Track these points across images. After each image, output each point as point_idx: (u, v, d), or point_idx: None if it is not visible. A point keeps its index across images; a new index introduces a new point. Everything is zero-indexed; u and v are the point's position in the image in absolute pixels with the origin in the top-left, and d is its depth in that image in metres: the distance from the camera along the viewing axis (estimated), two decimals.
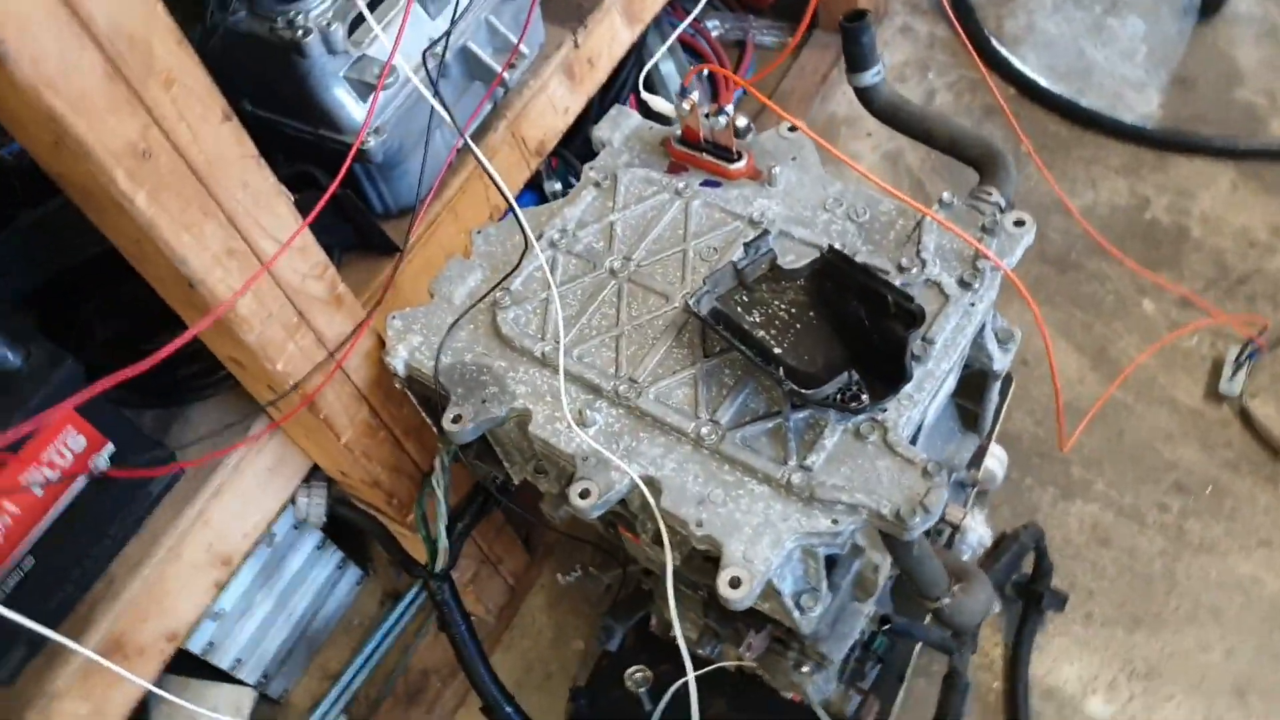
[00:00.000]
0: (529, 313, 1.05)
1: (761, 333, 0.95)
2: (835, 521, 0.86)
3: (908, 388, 0.91)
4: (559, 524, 1.13)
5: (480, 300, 1.06)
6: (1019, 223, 1.02)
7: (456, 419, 0.99)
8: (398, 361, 1.04)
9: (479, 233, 1.14)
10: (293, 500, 1.21)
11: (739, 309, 0.97)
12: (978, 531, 1.23)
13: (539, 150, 1.39)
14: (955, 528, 1.13)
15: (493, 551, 1.55)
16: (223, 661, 1.45)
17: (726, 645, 1.20)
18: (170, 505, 1.06)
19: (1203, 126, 1.91)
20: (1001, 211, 1.04)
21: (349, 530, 1.62)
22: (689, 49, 2.08)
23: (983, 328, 1.03)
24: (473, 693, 1.55)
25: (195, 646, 1.39)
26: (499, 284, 1.06)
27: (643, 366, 0.98)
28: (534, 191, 1.67)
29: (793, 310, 0.97)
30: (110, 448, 0.99)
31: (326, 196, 0.92)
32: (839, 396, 0.86)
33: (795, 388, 0.85)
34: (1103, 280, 1.77)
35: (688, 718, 1.31)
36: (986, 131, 1.91)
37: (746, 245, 0.98)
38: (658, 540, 0.97)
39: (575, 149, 1.64)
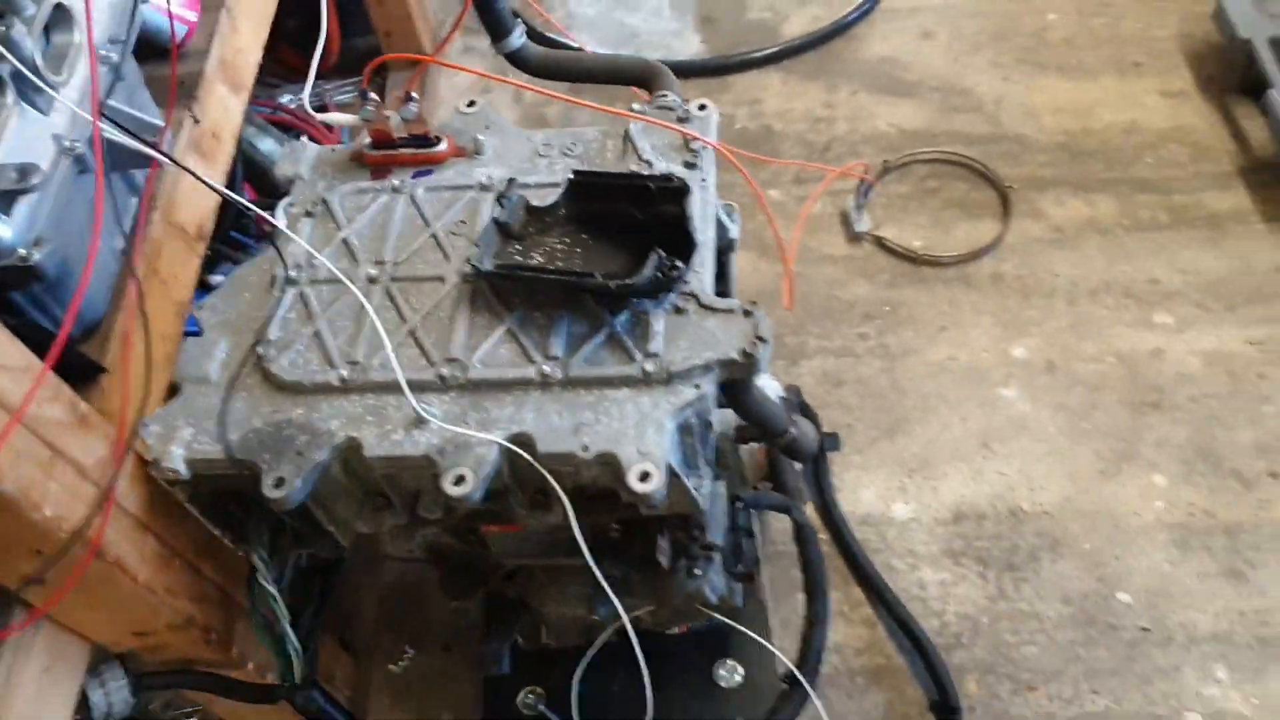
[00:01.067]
0: (302, 352, 0.96)
1: (552, 267, 0.96)
2: (698, 386, 0.91)
3: (694, 259, 0.98)
4: (415, 553, 1.05)
5: (241, 366, 0.95)
6: (702, 107, 1.14)
7: (279, 483, 0.88)
8: (176, 462, 0.91)
9: (200, 308, 1.02)
10: (83, 701, 0.99)
11: (518, 257, 0.97)
12: (771, 385, 1.34)
13: (200, 235, 1.26)
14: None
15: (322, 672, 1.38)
16: None
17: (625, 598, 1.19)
18: None
19: (740, 47, 2.24)
20: (685, 104, 1.15)
21: None
22: (282, 127, 1.99)
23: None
24: None
25: None
26: (254, 343, 0.96)
27: (454, 345, 0.94)
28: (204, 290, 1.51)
29: (566, 240, 0.99)
30: None
31: None
32: (659, 274, 0.90)
33: (623, 282, 0.88)
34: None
35: (599, 706, 1.30)
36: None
37: (499, 199, 0.99)
38: (540, 503, 0.95)
39: (222, 236, 1.51)
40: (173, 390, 0.97)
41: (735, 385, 0.99)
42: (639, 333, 0.93)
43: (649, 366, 0.90)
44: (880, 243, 1.89)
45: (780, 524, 1.60)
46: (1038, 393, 1.71)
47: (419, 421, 0.90)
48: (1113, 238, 1.89)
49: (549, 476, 0.89)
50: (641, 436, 0.88)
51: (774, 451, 1.51)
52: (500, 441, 0.88)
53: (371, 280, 0.99)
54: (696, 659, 1.35)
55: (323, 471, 0.90)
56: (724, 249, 1.21)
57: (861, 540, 1.57)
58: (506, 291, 0.96)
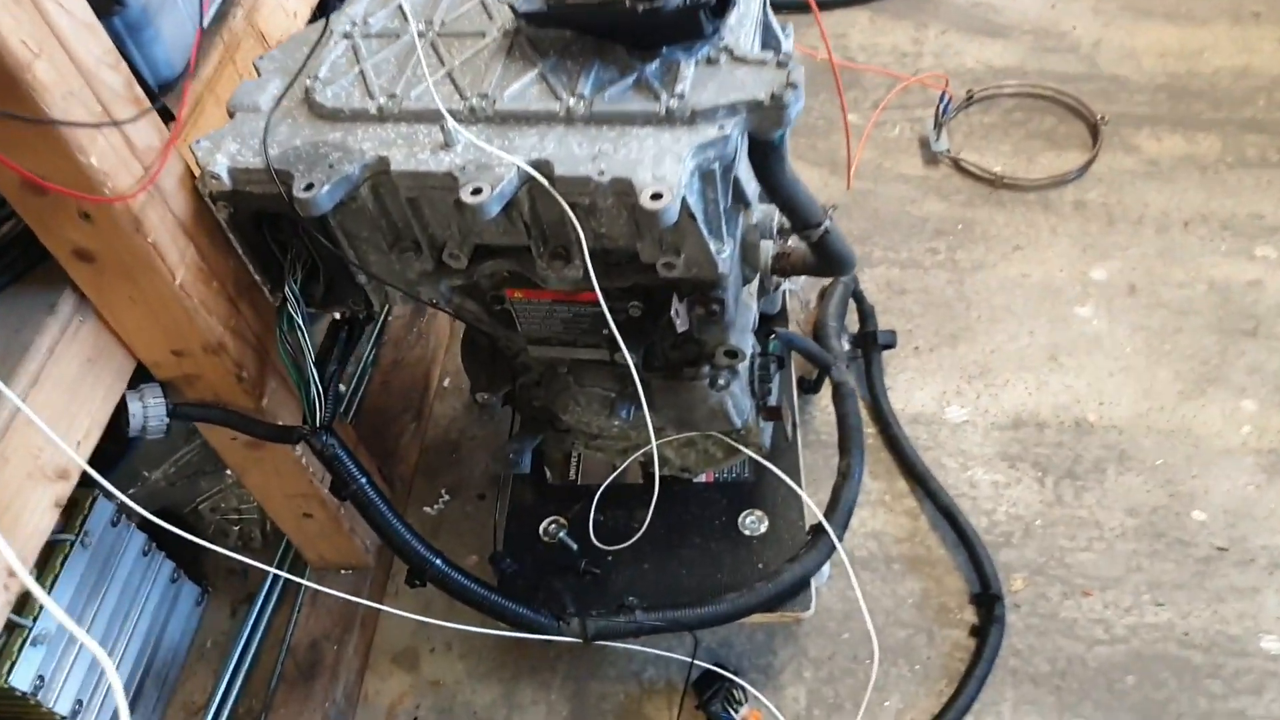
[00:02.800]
0: (345, 87, 0.99)
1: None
2: (721, 127, 0.89)
3: (730, 19, 0.98)
4: (445, 305, 1.06)
5: (289, 98, 1.00)
6: None
7: (309, 187, 0.91)
8: (220, 168, 0.94)
9: (261, 59, 1.07)
10: (124, 411, 1.03)
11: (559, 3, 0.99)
12: None
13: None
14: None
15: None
16: (60, 704, 1.17)
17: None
18: None
19: None
20: None
21: (175, 543, 1.40)
22: None
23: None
24: (377, 646, 1.40)
25: (22, 683, 1.12)
26: (300, 72, 1.01)
27: (486, 84, 0.96)
28: None
29: None
30: None
31: None
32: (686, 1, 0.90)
33: (650, 5, 0.89)
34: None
35: (619, 542, 1.27)
36: None
37: None
38: (561, 254, 0.95)
39: None
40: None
41: (767, 157, 0.97)
42: (667, 79, 0.93)
43: (672, 104, 0.90)
44: (958, 165, 1.85)
45: (823, 414, 1.55)
46: (1116, 313, 1.63)
47: (445, 145, 0.92)
48: (1214, 173, 1.79)
49: (565, 203, 0.90)
50: (658, 164, 0.87)
51: (823, 313, 1.47)
52: (520, 164, 0.89)
53: (420, 35, 1.03)
54: (722, 508, 1.31)
55: (352, 187, 0.93)
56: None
57: (911, 438, 1.51)
58: (542, 42, 0.98)
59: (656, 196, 0.85)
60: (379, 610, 1.40)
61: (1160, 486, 1.43)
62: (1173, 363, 1.56)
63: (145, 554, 1.33)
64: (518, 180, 0.90)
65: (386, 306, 1.10)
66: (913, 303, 1.68)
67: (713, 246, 0.94)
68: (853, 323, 1.61)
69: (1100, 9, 2.10)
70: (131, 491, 1.42)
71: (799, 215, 1.03)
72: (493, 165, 0.90)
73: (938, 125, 1.83)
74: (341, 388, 1.62)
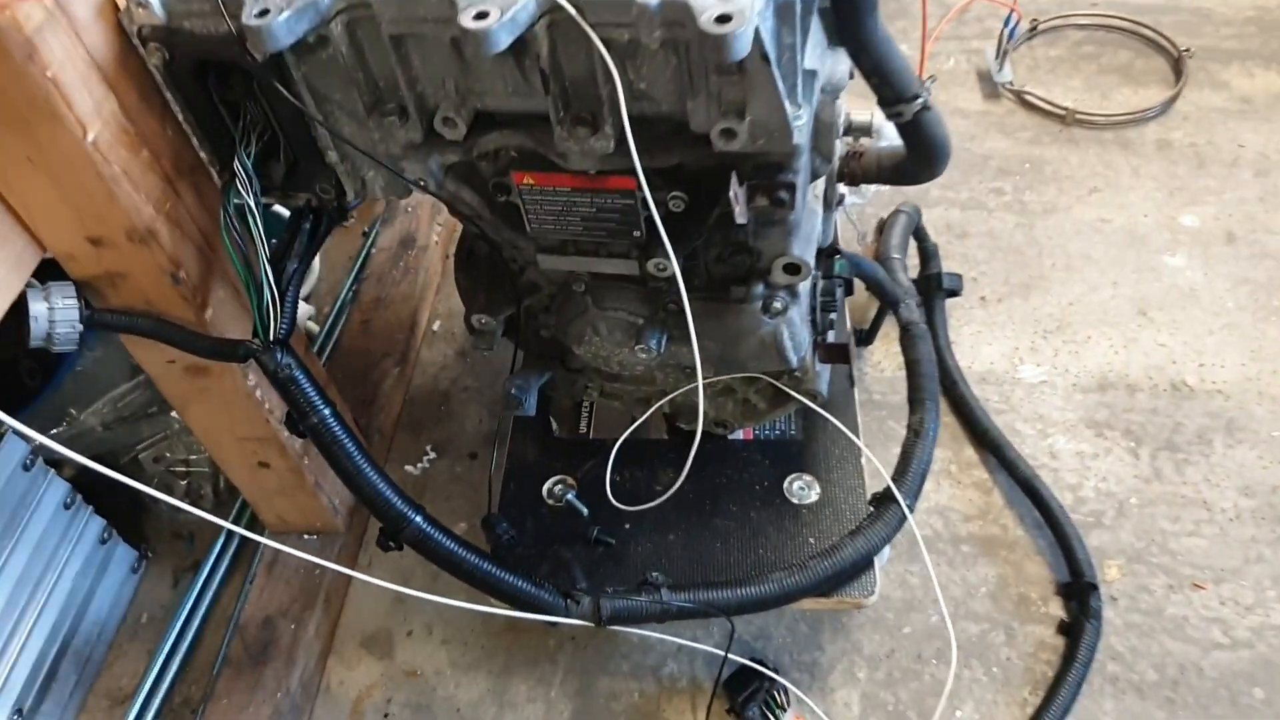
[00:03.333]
0: None
1: None
2: None
3: None
4: (437, 189, 0.83)
5: None
6: None
7: (263, 13, 0.69)
8: None
9: None
10: (25, 313, 0.81)
11: None
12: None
13: None
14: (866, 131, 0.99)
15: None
16: None
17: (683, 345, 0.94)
18: None
19: None
20: None
21: (106, 497, 1.17)
22: None
23: None
24: (344, 627, 1.17)
25: None
26: None
27: None
28: None
29: None
30: None
31: None
32: None
33: None
34: None
35: (638, 505, 1.05)
36: None
37: None
38: (586, 120, 0.73)
39: None
40: None
41: (859, 14, 0.76)
42: None
43: None
44: (1023, 99, 1.63)
45: (874, 370, 1.33)
46: (1213, 263, 1.41)
47: None
48: None
49: (596, 38, 0.67)
50: None
51: (885, 246, 1.25)
52: None
53: None
54: (765, 470, 1.09)
55: (319, 19, 0.71)
56: None
57: (981, 399, 1.29)
58: None
59: (724, 19, 0.63)
60: (349, 580, 1.18)
61: (1279, 462, 1.21)
62: None
63: (68, 507, 1.10)
64: (535, 6, 0.68)
65: (361, 196, 0.87)
66: (976, 247, 1.46)
67: (789, 109, 0.72)
68: (912, 265, 1.39)
69: None
70: (56, 432, 1.19)
71: (891, 83, 0.81)
72: None
73: (1001, 53, 1.61)
74: (314, 326, 1.39)
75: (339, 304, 1.41)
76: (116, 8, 0.75)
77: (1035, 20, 1.73)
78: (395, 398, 1.33)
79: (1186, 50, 1.64)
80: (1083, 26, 1.74)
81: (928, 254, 1.37)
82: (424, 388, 1.38)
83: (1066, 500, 1.20)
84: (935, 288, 1.33)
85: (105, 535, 1.16)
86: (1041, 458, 1.24)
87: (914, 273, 1.38)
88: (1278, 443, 1.22)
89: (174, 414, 1.22)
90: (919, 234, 1.37)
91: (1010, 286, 1.41)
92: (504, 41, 0.66)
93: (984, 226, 1.48)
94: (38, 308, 0.80)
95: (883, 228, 1.31)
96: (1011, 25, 1.60)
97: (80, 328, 0.82)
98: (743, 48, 0.63)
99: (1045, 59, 1.71)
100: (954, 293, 1.35)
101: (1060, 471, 1.23)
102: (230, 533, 1.20)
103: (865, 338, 1.31)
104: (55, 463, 1.12)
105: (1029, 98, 1.62)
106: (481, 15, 0.66)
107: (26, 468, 1.04)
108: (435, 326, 1.46)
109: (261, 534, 1.19)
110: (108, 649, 1.17)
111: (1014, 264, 1.44)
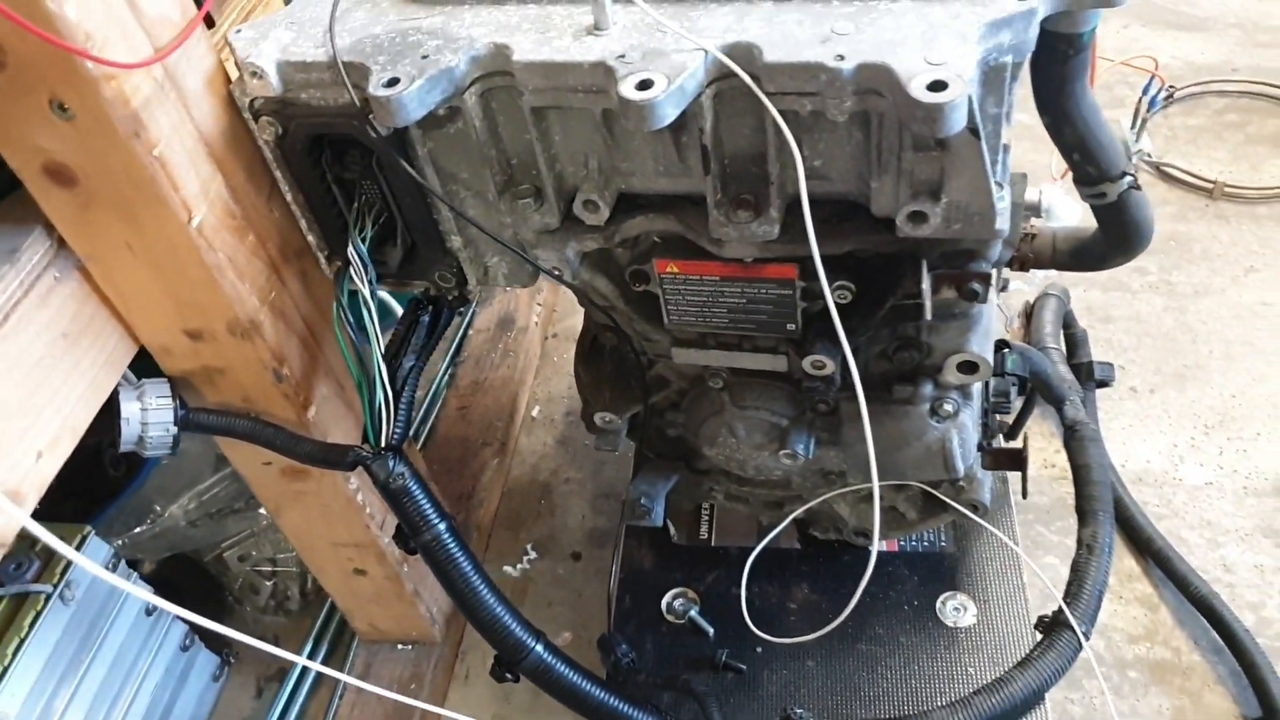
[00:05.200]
0: None
1: None
2: None
3: None
4: (566, 278, 0.75)
5: None
6: None
7: (392, 82, 0.62)
8: (264, 60, 0.66)
9: None
10: (116, 413, 0.73)
11: None
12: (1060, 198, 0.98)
13: None
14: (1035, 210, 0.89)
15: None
16: None
17: (830, 448, 0.84)
18: None
19: None
20: None
21: (196, 599, 1.09)
22: None
23: None
24: None
25: None
26: None
27: None
28: None
29: None
30: None
31: None
32: None
33: None
34: None
35: (775, 630, 0.93)
36: None
37: None
38: (747, 204, 0.65)
39: None
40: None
41: (1065, 66, 0.66)
42: None
43: None
44: (1162, 171, 1.52)
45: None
46: None
47: (596, 28, 0.63)
48: None
49: (772, 109, 0.59)
50: (931, 45, 0.57)
51: (1037, 333, 1.13)
52: (710, 49, 0.59)
53: None
54: (914, 588, 0.97)
55: (453, 90, 0.64)
56: None
57: (1139, 503, 1.16)
58: None
59: (938, 86, 0.54)
60: (446, 690, 1.07)
61: None
62: None
63: (149, 614, 1.02)
64: (704, 75, 0.60)
65: (484, 285, 0.79)
66: (1122, 332, 1.33)
67: (993, 189, 0.62)
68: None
69: None
70: (139, 530, 1.11)
71: (1097, 160, 0.71)
72: (668, 51, 0.60)
73: (1139, 121, 1.50)
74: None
75: (435, 389, 1.33)
76: (228, 78, 0.69)
77: (1172, 88, 1.62)
78: (494, 491, 1.23)
79: None
80: (1225, 94, 1.62)
81: (1076, 341, 1.25)
82: (523, 479, 1.29)
83: (1249, 621, 1.05)
84: (1086, 377, 1.20)
85: (187, 642, 1.08)
86: (1214, 571, 1.10)
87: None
88: None
89: (261, 510, 1.15)
90: (1067, 320, 1.25)
91: (1163, 376, 1.28)
92: (670, 115, 0.58)
93: (1129, 310, 1.36)
94: (130, 409, 0.73)
95: (1030, 313, 1.20)
96: (1152, 93, 1.49)
97: (175, 430, 0.75)
98: (959, 120, 0.54)
99: (1184, 128, 1.60)
100: (1105, 383, 1.22)
101: (1237, 587, 1.09)
102: (318, 639, 1.11)
103: (1009, 433, 1.19)
104: (133, 561, 1.04)
105: (1169, 170, 1.50)
106: (645, 84, 0.58)
107: (111, 568, 0.97)
108: (535, 413, 1.37)
109: (352, 641, 1.10)
110: None
111: (1166, 351, 1.31)
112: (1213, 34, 1.74)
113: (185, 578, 1.14)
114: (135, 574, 1.01)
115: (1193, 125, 1.60)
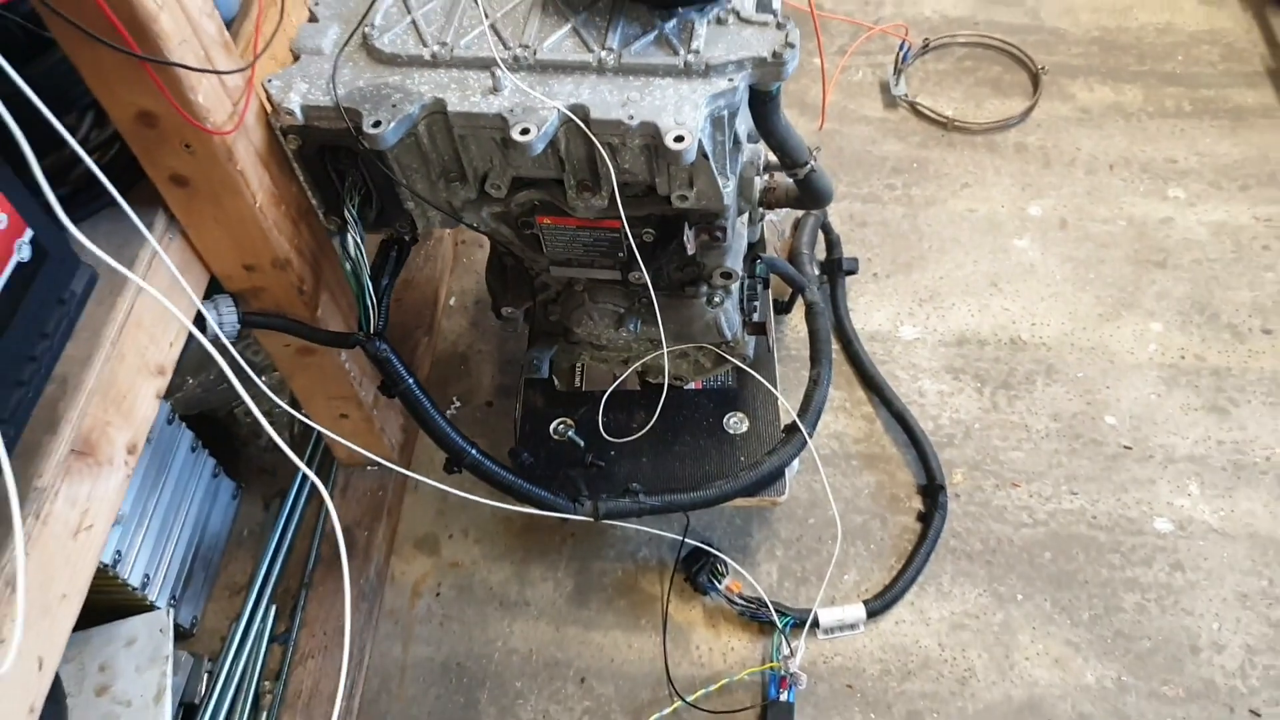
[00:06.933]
0: (399, 34, 1.13)
1: None
2: (730, 79, 1.06)
3: None
4: (480, 228, 1.22)
5: (349, 44, 1.14)
6: None
7: (376, 124, 1.06)
8: (293, 104, 1.08)
9: (316, 3, 1.20)
10: (200, 321, 1.18)
11: None
12: None
13: None
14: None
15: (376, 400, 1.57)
16: (133, 576, 1.33)
17: (650, 327, 1.35)
18: (97, 306, 1.01)
19: None
20: None
21: (215, 442, 1.55)
22: None
23: None
24: (401, 533, 1.58)
25: (105, 555, 1.28)
26: (359, 25, 1.14)
27: (526, 35, 1.11)
28: None
29: None
30: (30, 233, 0.93)
31: None
32: None
33: None
34: None
35: (621, 439, 1.46)
36: None
37: None
38: (589, 186, 1.12)
39: None
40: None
41: (765, 105, 1.14)
42: (684, 35, 1.09)
43: (690, 59, 1.06)
44: (915, 108, 2.04)
45: (793, 332, 1.75)
46: (1049, 245, 1.85)
47: (494, 89, 1.08)
48: (1136, 121, 2.01)
49: (598, 142, 1.06)
50: (679, 111, 1.04)
51: (798, 242, 1.66)
52: (561, 108, 1.05)
53: None
54: (709, 410, 1.51)
55: (412, 124, 1.08)
56: None
57: (869, 353, 1.72)
58: (574, 0, 1.13)
59: (679, 139, 1.02)
60: (403, 498, 1.58)
61: (1079, 395, 1.66)
62: (1095, 289, 1.78)
63: (193, 450, 1.48)
64: (558, 122, 1.06)
65: (428, 231, 1.25)
66: (872, 234, 1.88)
67: (720, 182, 1.11)
68: (820, 251, 1.80)
69: None
70: (176, 396, 1.56)
71: (789, 155, 1.21)
72: (537, 108, 1.06)
73: (897, 71, 2.01)
74: None
75: None
76: (266, 112, 1.11)
77: (928, 39, 2.12)
78: (426, 360, 1.71)
79: (1043, 67, 2.05)
80: (965, 44, 2.14)
81: (832, 243, 1.79)
82: (446, 351, 1.77)
83: (928, 426, 1.64)
84: (837, 269, 1.74)
85: (216, 471, 1.54)
86: (912, 396, 1.68)
87: (823, 255, 1.79)
88: (1079, 382, 1.68)
89: (259, 378, 1.60)
90: (826, 227, 1.78)
91: (896, 265, 1.83)
92: (540, 149, 1.05)
93: (879, 216, 1.90)
94: (211, 315, 1.18)
95: (796, 226, 1.72)
96: (904, 50, 2.00)
97: (239, 326, 1.20)
98: (690, 157, 1.03)
99: (934, 72, 2.11)
100: (852, 272, 1.76)
101: (925, 405, 1.67)
102: (309, 463, 1.59)
103: (784, 308, 1.73)
104: (181, 417, 1.49)
105: (919, 107, 2.02)
106: (525, 131, 1.04)
107: (169, 422, 1.42)
108: (452, 301, 1.84)
109: (333, 464, 1.59)
110: (221, 555, 1.56)
111: (900, 247, 1.86)
112: None
113: (207, 427, 1.60)
114: (184, 424, 1.46)
115: (939, 70, 2.12)
